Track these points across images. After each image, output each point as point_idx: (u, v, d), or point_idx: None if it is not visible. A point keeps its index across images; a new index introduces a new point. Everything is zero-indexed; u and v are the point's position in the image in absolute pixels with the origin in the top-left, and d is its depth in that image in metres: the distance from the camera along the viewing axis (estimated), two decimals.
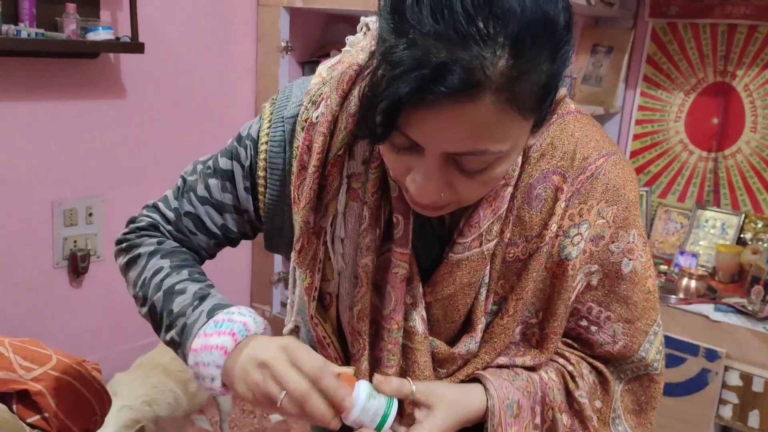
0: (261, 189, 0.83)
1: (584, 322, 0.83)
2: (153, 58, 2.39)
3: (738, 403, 2.00)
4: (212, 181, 0.86)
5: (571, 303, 0.82)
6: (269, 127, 0.81)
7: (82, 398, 1.43)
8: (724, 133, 2.44)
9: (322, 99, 0.77)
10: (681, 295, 2.13)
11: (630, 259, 0.81)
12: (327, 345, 0.83)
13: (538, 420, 0.82)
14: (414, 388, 0.76)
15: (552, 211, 0.76)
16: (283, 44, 2.58)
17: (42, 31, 1.97)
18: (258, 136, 0.82)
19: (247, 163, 0.84)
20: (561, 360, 0.84)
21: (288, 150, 0.80)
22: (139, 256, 0.86)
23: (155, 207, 0.91)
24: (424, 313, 0.79)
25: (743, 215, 2.39)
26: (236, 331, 0.74)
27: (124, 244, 0.90)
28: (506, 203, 0.76)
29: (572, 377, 0.83)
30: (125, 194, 2.53)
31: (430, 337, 0.80)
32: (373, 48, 0.72)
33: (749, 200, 2.41)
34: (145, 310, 0.84)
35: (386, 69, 0.57)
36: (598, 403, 0.85)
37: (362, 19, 0.81)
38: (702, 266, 2.33)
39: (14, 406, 1.35)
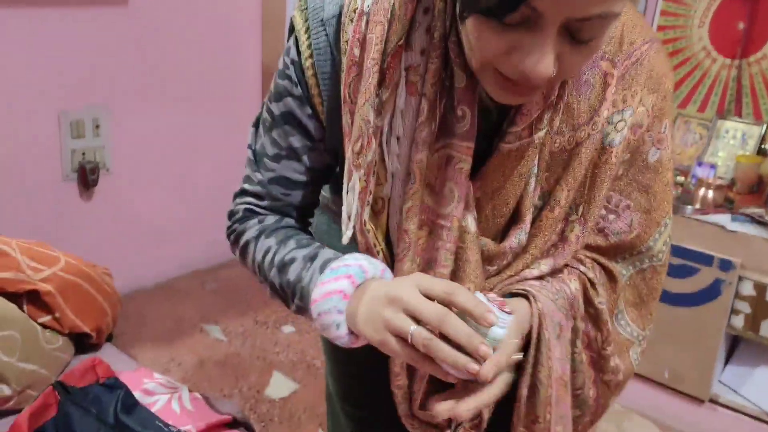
0: (320, 108, 0.79)
1: (603, 211, 0.82)
2: None
3: (750, 312, 1.98)
4: (275, 134, 0.83)
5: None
6: (308, 37, 0.76)
7: (92, 299, 1.44)
8: (750, 39, 2.33)
9: None
10: (697, 206, 2.09)
11: (658, 149, 0.80)
12: (376, 253, 0.80)
13: (570, 334, 0.82)
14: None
15: (603, 96, 0.74)
16: None
17: None
18: (299, 54, 0.77)
19: (298, 91, 0.79)
20: (582, 267, 0.83)
21: (336, 52, 0.76)
22: (247, 243, 0.85)
23: (243, 192, 0.89)
24: (475, 212, 0.77)
25: (765, 125, 2.32)
26: (353, 274, 0.72)
27: (232, 237, 0.89)
28: (556, 90, 0.73)
29: (593, 284, 0.83)
30: (131, 106, 2.49)
31: (479, 236, 0.79)
32: None
33: None
34: (269, 291, 0.84)
35: None
36: (602, 291, 0.85)
37: None
38: (720, 178, 2.28)
39: (25, 307, 1.36)
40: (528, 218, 0.78)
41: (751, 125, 2.34)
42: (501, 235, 0.80)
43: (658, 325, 2.17)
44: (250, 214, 0.88)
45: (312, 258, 0.78)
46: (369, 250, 0.81)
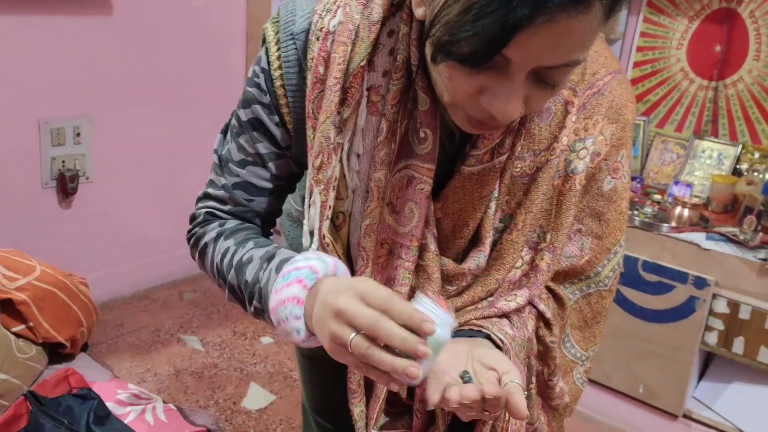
0: (287, 117, 0.80)
1: None
2: None
3: (723, 329, 2.01)
4: (242, 140, 0.83)
5: None
6: (278, 49, 0.77)
7: (67, 309, 1.43)
8: (726, 62, 2.38)
9: (338, 6, 0.73)
10: (673, 224, 2.12)
11: (613, 178, 0.82)
12: None
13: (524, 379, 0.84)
14: None
15: (562, 124, 0.77)
16: None
17: None
18: (269, 64, 0.78)
19: (266, 99, 0.80)
20: (541, 306, 0.85)
21: (304, 66, 0.77)
22: (206, 246, 0.85)
23: (206, 196, 0.88)
24: (435, 230, 0.79)
25: (740, 146, 2.36)
26: (303, 277, 0.69)
27: (191, 240, 0.88)
28: (519, 116, 0.74)
29: (547, 324, 0.85)
30: (114, 115, 2.48)
31: (440, 255, 0.80)
32: None
33: (747, 130, 2.37)
34: (227, 293, 0.83)
35: None
36: (556, 330, 0.87)
37: None
38: (696, 196, 2.31)
39: None
40: (488, 241, 0.80)
41: (727, 146, 2.38)
42: (461, 257, 0.82)
43: (633, 341, 2.20)
44: (211, 217, 0.87)
45: (269, 258, 0.76)
46: None
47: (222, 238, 0.83)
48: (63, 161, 2.39)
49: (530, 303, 0.84)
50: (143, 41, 2.48)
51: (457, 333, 0.79)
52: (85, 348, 1.60)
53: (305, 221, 0.81)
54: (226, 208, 0.86)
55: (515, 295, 0.82)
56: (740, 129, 2.39)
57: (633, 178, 2.41)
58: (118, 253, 2.68)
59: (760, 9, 2.28)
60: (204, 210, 0.88)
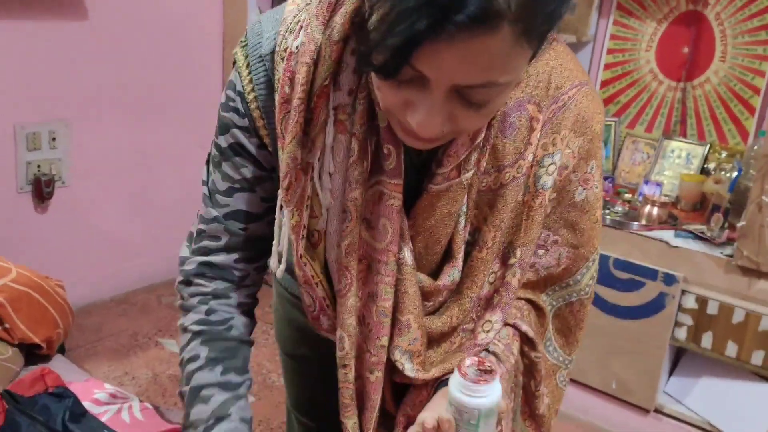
0: (266, 140, 0.80)
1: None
2: None
3: (692, 325, 2.06)
4: (225, 167, 0.83)
5: None
6: (249, 72, 0.78)
7: (43, 310, 1.44)
8: (694, 63, 2.44)
9: (301, 27, 0.74)
10: (643, 222, 2.17)
11: (584, 188, 0.83)
12: (315, 284, 0.82)
13: (512, 404, 0.87)
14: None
15: (528, 141, 0.77)
16: None
17: None
18: (243, 88, 0.79)
19: (245, 122, 0.80)
20: (523, 327, 0.87)
21: (275, 87, 0.78)
22: (185, 329, 0.86)
23: (200, 233, 0.86)
24: (411, 244, 0.80)
25: (708, 145, 2.42)
26: None
27: (178, 302, 0.88)
28: (483, 132, 0.76)
29: (531, 342, 0.87)
30: (89, 120, 2.49)
31: (416, 272, 0.81)
32: None
33: (714, 130, 2.43)
34: (180, 389, 0.85)
35: (395, 1, 0.56)
36: (540, 346, 0.90)
37: None
38: (666, 195, 2.36)
39: None
40: (460, 256, 0.81)
41: (695, 145, 2.44)
42: (436, 273, 0.83)
43: (606, 337, 2.23)
44: (202, 272, 0.85)
45: (218, 419, 0.80)
46: (307, 282, 0.83)
47: (200, 339, 0.84)
48: (38, 166, 2.39)
49: (513, 326, 0.87)
50: (119, 46, 2.48)
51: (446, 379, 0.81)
52: (62, 352, 1.60)
53: (275, 242, 0.82)
54: (222, 242, 0.84)
55: (490, 322, 0.84)
56: (708, 129, 2.45)
57: (605, 178, 2.46)
58: (95, 257, 2.68)
59: (725, 11, 2.34)
60: (197, 260, 0.86)
